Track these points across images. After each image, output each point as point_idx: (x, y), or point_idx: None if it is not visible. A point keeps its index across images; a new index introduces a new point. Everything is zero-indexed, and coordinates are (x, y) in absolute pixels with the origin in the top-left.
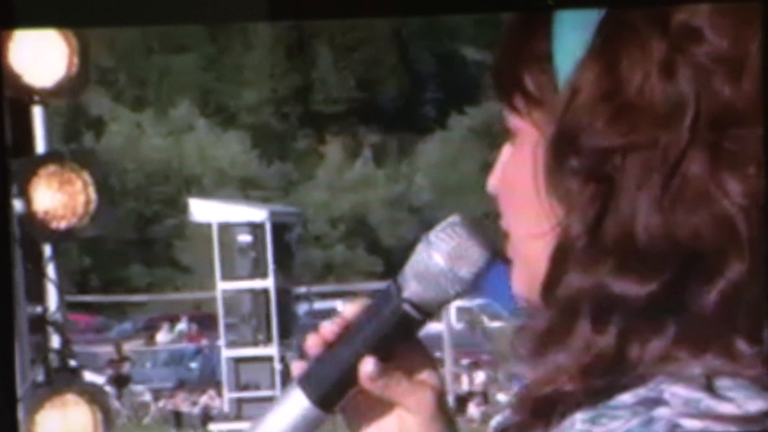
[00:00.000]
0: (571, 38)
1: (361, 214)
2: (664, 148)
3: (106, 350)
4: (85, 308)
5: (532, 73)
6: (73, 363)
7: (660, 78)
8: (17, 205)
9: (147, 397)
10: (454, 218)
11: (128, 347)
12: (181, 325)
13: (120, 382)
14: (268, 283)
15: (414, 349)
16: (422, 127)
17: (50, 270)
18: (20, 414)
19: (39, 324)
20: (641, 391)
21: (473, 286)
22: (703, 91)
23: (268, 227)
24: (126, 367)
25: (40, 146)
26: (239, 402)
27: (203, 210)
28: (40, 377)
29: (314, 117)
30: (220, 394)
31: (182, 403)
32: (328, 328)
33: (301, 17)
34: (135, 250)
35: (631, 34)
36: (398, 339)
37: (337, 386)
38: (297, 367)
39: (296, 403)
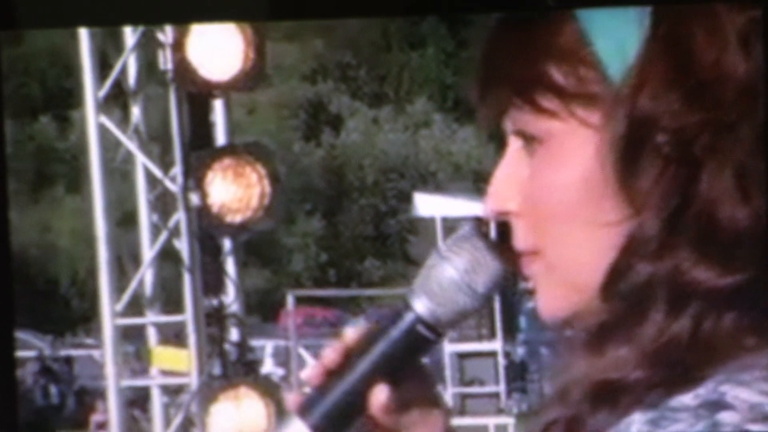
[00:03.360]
0: (617, 29)
1: None
2: (753, 122)
3: None
4: (322, 302)
5: (566, 69)
6: (248, 356)
7: (740, 48)
8: (193, 198)
9: None
10: (466, 230)
11: None
12: None
13: None
14: None
15: (419, 372)
16: None
17: (230, 264)
18: (20, 414)
19: (216, 317)
20: (701, 392)
21: (487, 301)
22: None
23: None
24: None
25: (220, 139)
26: (463, 397)
27: (428, 204)
28: (216, 370)
29: None
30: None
31: None
32: (330, 356)
33: (301, 17)
34: (370, 245)
35: (703, 11)
36: (408, 362)
37: (343, 417)
38: (294, 399)
39: None
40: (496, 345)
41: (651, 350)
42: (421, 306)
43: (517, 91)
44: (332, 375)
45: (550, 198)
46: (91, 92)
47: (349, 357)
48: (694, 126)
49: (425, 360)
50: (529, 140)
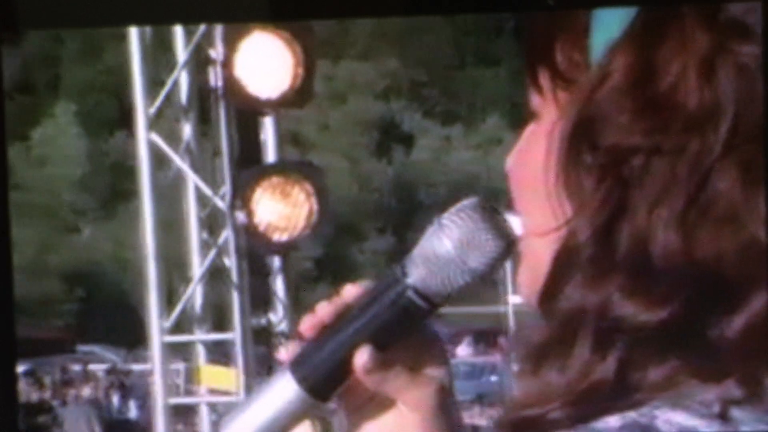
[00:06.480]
0: (611, 16)
1: None
2: (694, 156)
3: None
4: None
5: (565, 48)
6: None
7: (698, 76)
8: (239, 216)
9: None
10: (470, 201)
11: None
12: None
13: None
14: None
15: (419, 339)
16: None
17: (278, 282)
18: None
19: (265, 336)
20: (631, 415)
21: (483, 278)
22: (743, 97)
23: None
24: None
25: (270, 157)
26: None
27: None
28: None
29: None
30: None
31: (478, 416)
32: (326, 310)
33: (301, 17)
34: None
35: (674, 22)
36: (400, 328)
37: (332, 375)
38: (288, 350)
39: (286, 389)
40: None
41: (576, 387)
42: (415, 273)
43: (529, 64)
44: (326, 330)
45: (521, 170)
46: (141, 109)
47: (346, 314)
48: (628, 149)
49: (443, 331)
50: (531, 114)
